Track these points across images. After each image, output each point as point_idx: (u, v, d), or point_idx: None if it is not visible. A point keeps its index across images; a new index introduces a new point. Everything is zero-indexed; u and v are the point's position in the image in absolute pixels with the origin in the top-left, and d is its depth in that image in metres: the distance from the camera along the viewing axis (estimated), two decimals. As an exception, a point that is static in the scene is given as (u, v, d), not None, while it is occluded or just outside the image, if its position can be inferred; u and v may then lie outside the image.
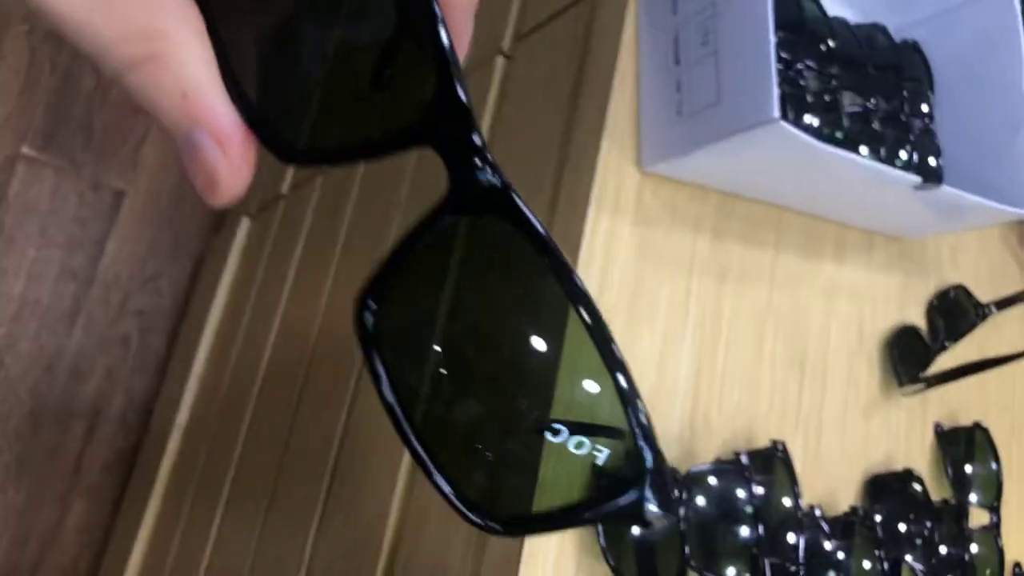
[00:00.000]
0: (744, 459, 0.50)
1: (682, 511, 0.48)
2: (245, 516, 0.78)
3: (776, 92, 0.45)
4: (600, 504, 0.20)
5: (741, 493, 0.51)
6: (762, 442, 0.55)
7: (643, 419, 0.19)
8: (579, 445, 0.20)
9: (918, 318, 0.66)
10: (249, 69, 0.21)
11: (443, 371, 0.21)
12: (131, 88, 0.20)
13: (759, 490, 0.51)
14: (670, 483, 0.19)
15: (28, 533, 1.11)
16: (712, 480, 0.50)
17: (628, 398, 0.19)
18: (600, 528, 0.47)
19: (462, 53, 0.21)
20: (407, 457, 0.58)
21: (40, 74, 1.21)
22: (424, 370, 0.21)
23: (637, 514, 0.20)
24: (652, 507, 0.20)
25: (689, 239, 0.54)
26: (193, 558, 0.85)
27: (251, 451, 0.84)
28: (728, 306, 0.55)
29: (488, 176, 0.20)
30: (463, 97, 0.20)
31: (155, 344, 1.23)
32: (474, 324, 0.21)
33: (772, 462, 0.54)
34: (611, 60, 0.54)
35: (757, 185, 0.56)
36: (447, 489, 0.20)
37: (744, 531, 0.50)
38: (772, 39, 0.45)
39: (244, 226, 1.12)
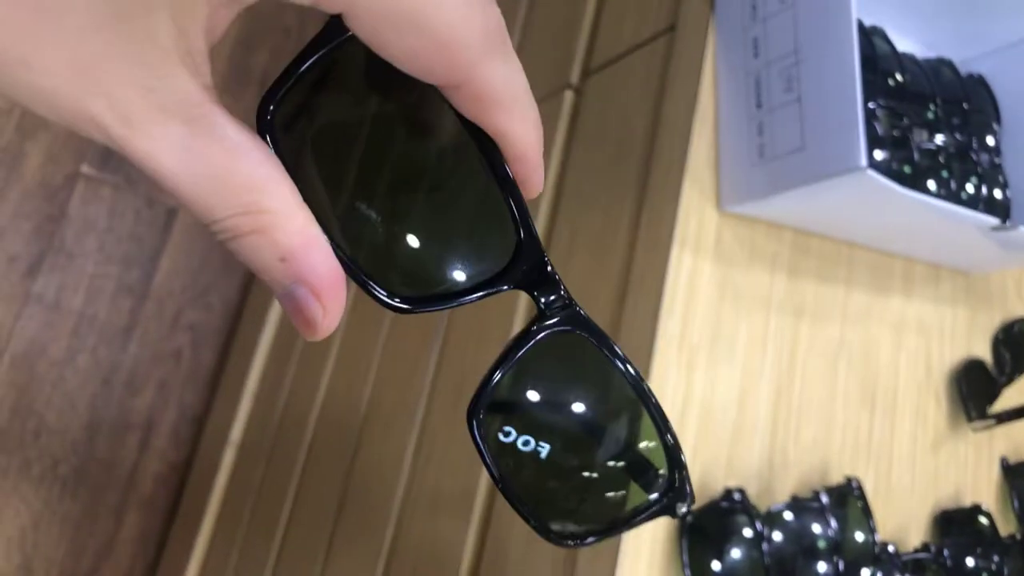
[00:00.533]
0: (824, 498, 0.51)
1: (764, 547, 0.49)
2: (307, 541, 0.80)
3: (863, 141, 0.46)
4: (641, 513, 0.27)
5: (819, 529, 0.52)
6: (836, 477, 0.56)
7: (678, 453, 0.27)
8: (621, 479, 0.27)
9: (984, 351, 0.67)
10: (344, 228, 0.23)
11: (540, 450, 0.26)
12: (234, 250, 0.22)
13: (835, 526, 0.52)
14: (689, 488, 0.27)
15: (84, 544, 1.14)
16: (791, 517, 0.51)
17: (671, 448, 0.27)
18: (686, 560, 0.48)
19: (537, 191, 0.25)
20: (482, 486, 0.60)
21: (98, 93, 1.23)
22: (527, 454, 0.26)
23: (669, 511, 0.27)
24: (682, 507, 0.27)
25: (766, 277, 0.55)
26: (254, 574, 0.87)
27: (312, 475, 0.86)
28: (804, 342, 0.56)
29: (563, 298, 0.25)
30: (546, 260, 0.25)
31: (207, 358, 1.25)
32: (565, 411, 0.26)
33: (847, 498, 0.54)
34: (691, 100, 0.55)
35: (832, 224, 0.57)
36: (534, 524, 0.26)
37: (822, 567, 0.51)
38: (859, 89, 0.46)
39: (297, 244, 1.14)
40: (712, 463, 0.51)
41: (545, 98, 0.72)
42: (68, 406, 1.15)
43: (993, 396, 0.64)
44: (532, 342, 0.25)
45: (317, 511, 0.81)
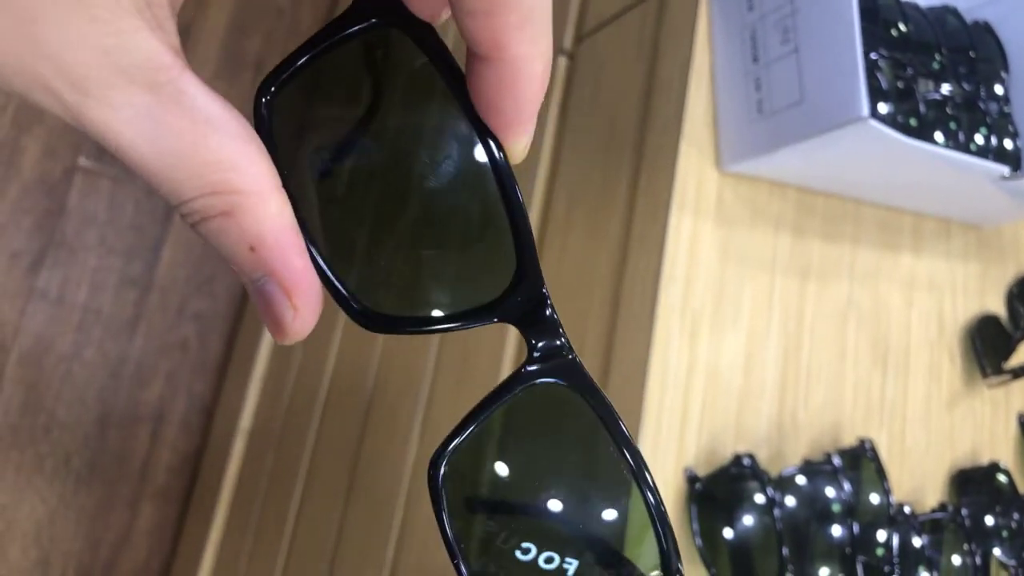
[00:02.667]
0: (836, 461, 0.50)
1: (776, 512, 0.48)
2: (319, 523, 0.79)
3: (864, 90, 0.44)
4: None
5: (832, 493, 0.51)
6: (848, 439, 0.55)
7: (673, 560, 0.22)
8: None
9: (998, 306, 0.65)
10: (326, 228, 0.21)
11: (510, 522, 0.23)
12: (203, 235, 0.20)
13: (849, 489, 0.51)
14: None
15: (100, 536, 1.14)
16: (803, 481, 0.50)
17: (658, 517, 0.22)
18: (696, 529, 0.47)
19: (520, 149, 0.22)
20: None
21: (92, 85, 1.22)
22: (492, 521, 0.23)
23: None
24: None
25: (770, 238, 0.54)
26: (268, 560, 0.87)
27: (322, 458, 0.85)
28: (810, 303, 0.55)
29: (559, 345, 0.22)
30: (541, 284, 0.22)
31: (214, 347, 1.25)
32: (543, 477, 0.23)
33: (861, 460, 0.53)
34: (686, 59, 0.53)
35: (836, 180, 0.55)
36: None
37: (836, 531, 0.50)
38: (859, 36, 0.45)
39: (298, 229, 1.13)
40: (720, 430, 0.50)
41: (538, 66, 0.70)
42: (77, 400, 1.15)
43: (1008, 351, 0.62)
44: (513, 392, 0.22)
45: (328, 493, 0.80)
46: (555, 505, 0.22)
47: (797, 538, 0.49)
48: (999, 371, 0.61)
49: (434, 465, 0.22)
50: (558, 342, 0.22)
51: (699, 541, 0.47)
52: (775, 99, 0.49)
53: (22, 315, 1.14)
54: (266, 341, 1.09)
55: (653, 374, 0.48)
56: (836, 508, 0.51)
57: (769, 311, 0.53)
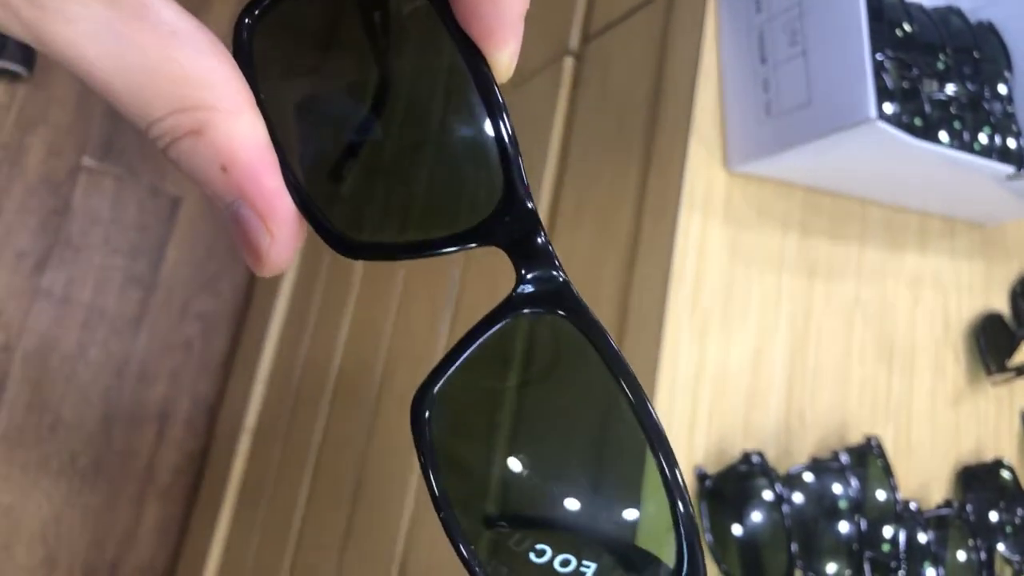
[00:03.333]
0: (843, 458, 0.51)
1: (785, 509, 0.48)
2: (327, 520, 0.80)
3: (872, 92, 0.45)
4: None
5: (839, 490, 0.51)
6: (855, 436, 0.55)
7: (689, 513, 0.20)
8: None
9: (1002, 304, 0.66)
10: (304, 153, 0.20)
11: (500, 467, 0.21)
12: (175, 159, 0.19)
13: (857, 486, 0.51)
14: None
15: (106, 534, 1.15)
16: (811, 478, 0.51)
17: (675, 490, 0.20)
18: (707, 526, 0.48)
19: (505, 56, 0.21)
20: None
21: (96, 85, 1.22)
22: (480, 468, 0.21)
23: None
24: None
25: (778, 237, 0.54)
26: (275, 556, 0.87)
27: (329, 455, 0.86)
28: (818, 302, 0.55)
29: (552, 274, 0.20)
30: (530, 204, 0.20)
31: (218, 346, 1.25)
32: (534, 418, 0.21)
33: (867, 458, 0.54)
34: (693, 60, 0.54)
35: (843, 180, 0.56)
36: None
37: (844, 527, 0.51)
38: (867, 39, 0.45)
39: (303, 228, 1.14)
40: (729, 427, 0.51)
41: (545, 66, 0.70)
42: (82, 400, 1.15)
43: (1012, 349, 0.63)
44: (501, 323, 0.20)
45: (336, 490, 0.81)
46: (555, 453, 0.20)
47: (805, 534, 0.50)
48: (1003, 369, 0.62)
49: (417, 406, 0.20)
50: (553, 272, 0.20)
51: (709, 537, 0.48)
52: (783, 100, 0.49)
53: (27, 315, 1.14)
54: (271, 339, 1.10)
55: (663, 373, 0.49)
56: (843, 505, 0.51)
57: (777, 310, 0.53)
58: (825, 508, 0.51)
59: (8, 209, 1.15)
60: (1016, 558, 0.59)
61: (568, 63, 0.68)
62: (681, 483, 0.20)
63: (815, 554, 0.50)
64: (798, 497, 0.50)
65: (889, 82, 0.60)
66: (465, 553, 0.20)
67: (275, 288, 1.13)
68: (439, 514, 0.20)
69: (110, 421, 1.17)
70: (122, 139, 1.23)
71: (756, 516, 0.48)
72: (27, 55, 1.17)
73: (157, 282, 1.23)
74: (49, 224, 1.17)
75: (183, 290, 1.24)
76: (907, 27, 0.63)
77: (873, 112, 0.44)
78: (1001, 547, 0.59)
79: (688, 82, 0.54)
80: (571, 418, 0.21)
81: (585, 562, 0.20)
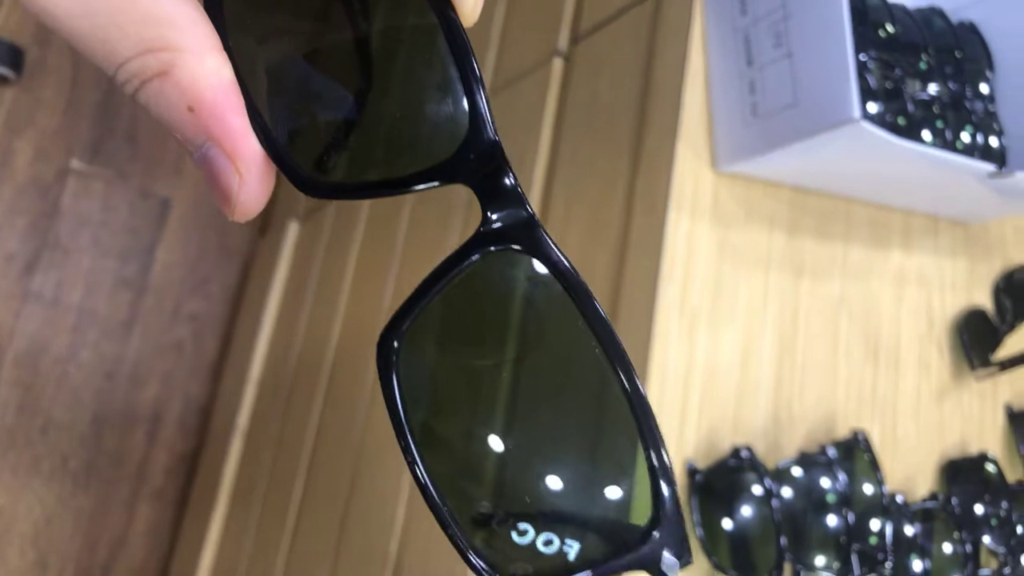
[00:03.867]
0: (831, 452, 0.51)
1: (774, 503, 0.49)
2: (322, 518, 0.80)
3: (856, 92, 0.46)
4: (607, 560, 0.19)
5: (827, 484, 0.52)
6: (842, 431, 0.56)
7: (664, 459, 0.19)
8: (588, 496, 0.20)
9: (985, 300, 0.67)
10: (270, 97, 0.20)
11: (461, 408, 0.20)
12: (144, 103, 0.20)
13: (844, 480, 0.52)
14: (684, 531, 0.19)
15: (98, 536, 1.15)
16: (799, 472, 0.51)
17: (650, 438, 0.19)
18: (697, 520, 0.48)
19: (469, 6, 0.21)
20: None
21: (84, 88, 1.23)
22: (444, 408, 0.21)
23: (653, 566, 0.19)
24: (669, 556, 0.19)
25: (765, 236, 0.55)
26: (268, 560, 0.88)
27: (322, 456, 0.86)
28: (804, 300, 0.56)
29: (520, 212, 0.20)
30: (493, 136, 0.20)
31: (209, 348, 1.25)
32: (499, 360, 0.21)
33: (854, 452, 0.55)
34: (681, 61, 0.55)
35: (829, 179, 0.57)
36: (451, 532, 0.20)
37: (832, 520, 0.52)
38: (850, 41, 0.46)
39: (293, 229, 1.14)
40: (718, 423, 0.51)
41: (534, 67, 0.71)
42: (74, 402, 1.15)
43: (995, 344, 0.64)
44: (468, 260, 0.20)
45: (329, 491, 0.81)
46: (528, 398, 0.20)
47: (794, 528, 0.51)
48: (987, 363, 0.63)
49: (383, 347, 0.20)
50: (522, 211, 0.20)
51: (700, 532, 0.49)
52: (769, 101, 0.50)
53: (17, 317, 1.14)
54: (262, 340, 1.10)
55: (653, 370, 0.49)
56: (831, 498, 0.52)
57: (764, 308, 0.54)
58: (813, 501, 0.52)
59: (-3, 212, 1.15)
60: (1001, 550, 0.60)
61: (557, 64, 0.69)
62: (655, 431, 0.19)
63: (804, 547, 0.51)
64: (787, 491, 0.51)
65: (872, 82, 0.61)
66: (439, 506, 0.20)
67: (266, 289, 1.13)
68: (410, 468, 0.20)
69: (101, 423, 1.17)
70: (111, 142, 1.23)
71: (746, 510, 0.49)
72: (14, 58, 1.17)
73: (148, 284, 1.23)
74: (38, 227, 1.17)
75: (174, 292, 1.24)
76: (890, 28, 0.64)
77: (857, 112, 0.45)
78: (986, 539, 0.60)
79: (675, 84, 0.54)
80: (543, 367, 0.20)
81: (568, 541, 0.19)
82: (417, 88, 0.20)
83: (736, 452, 0.50)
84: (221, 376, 1.21)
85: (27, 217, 1.17)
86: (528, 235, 0.20)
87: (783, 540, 0.49)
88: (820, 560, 0.51)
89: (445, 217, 0.77)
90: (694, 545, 0.48)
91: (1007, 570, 0.59)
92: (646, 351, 0.50)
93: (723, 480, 0.50)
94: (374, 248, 0.90)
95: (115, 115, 1.24)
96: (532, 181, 0.65)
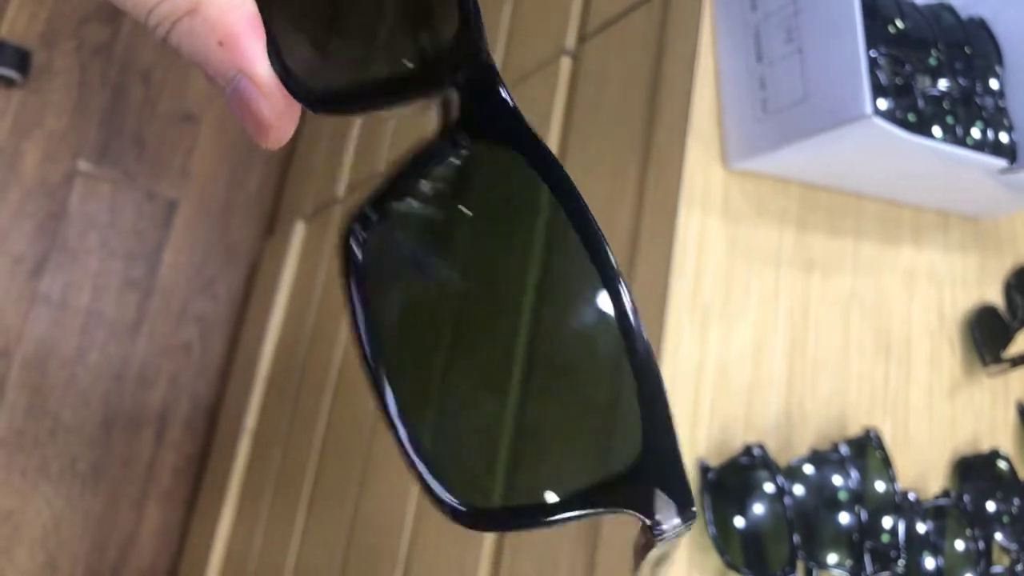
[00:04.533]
0: (843, 450, 0.51)
1: (786, 501, 0.49)
2: (331, 517, 0.80)
3: (867, 88, 0.46)
4: (585, 504, 0.17)
5: (839, 481, 0.52)
6: (854, 428, 0.56)
7: (660, 385, 0.17)
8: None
9: (996, 296, 0.66)
10: (282, 25, 0.21)
11: (427, 310, 0.19)
12: (176, 44, 0.21)
13: (856, 477, 0.52)
14: (684, 478, 0.16)
15: (107, 538, 1.15)
16: (811, 470, 0.51)
17: (643, 363, 0.17)
18: (710, 518, 0.48)
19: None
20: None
21: (91, 90, 1.23)
22: (408, 309, 0.19)
23: (646, 513, 0.17)
24: (664, 499, 0.16)
25: (775, 233, 0.55)
26: (278, 557, 0.88)
27: (330, 454, 0.86)
28: (815, 296, 0.56)
29: (502, 100, 0.19)
30: (477, 27, 0.19)
31: (216, 349, 1.25)
32: (470, 258, 0.19)
33: (867, 449, 0.54)
34: (690, 59, 0.54)
35: (839, 175, 0.57)
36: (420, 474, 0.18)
37: (844, 518, 0.51)
38: (861, 36, 0.46)
39: (300, 229, 1.14)
40: (730, 420, 0.51)
41: (542, 66, 0.71)
42: (82, 404, 1.16)
43: (1007, 341, 0.64)
44: (445, 153, 0.19)
45: (339, 490, 0.81)
46: (510, 311, 0.18)
47: (807, 525, 0.51)
48: (998, 360, 0.63)
49: (348, 232, 0.19)
50: (502, 97, 0.18)
51: (712, 530, 0.48)
52: (780, 98, 0.50)
53: (25, 320, 1.14)
54: (270, 340, 1.10)
55: (665, 367, 0.49)
56: (844, 496, 0.52)
57: (776, 304, 0.54)
58: (826, 499, 0.51)
59: (4, 215, 1.15)
60: (1014, 547, 0.60)
61: (565, 63, 0.68)
62: (635, 321, 0.17)
63: (816, 545, 0.51)
64: (799, 489, 0.50)
65: (883, 78, 0.61)
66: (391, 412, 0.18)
67: (273, 289, 1.13)
68: (363, 363, 0.18)
69: (110, 424, 1.17)
70: (118, 143, 1.23)
71: (758, 508, 0.49)
72: (21, 61, 1.17)
73: (155, 286, 1.23)
74: (46, 229, 1.17)
75: (181, 293, 1.25)
76: (899, 24, 0.63)
77: (869, 108, 0.45)
78: (999, 536, 0.59)
79: (685, 81, 0.54)
80: (525, 280, 0.19)
81: (548, 475, 0.17)
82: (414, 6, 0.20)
83: (748, 450, 0.49)
84: (229, 376, 1.21)
85: (35, 219, 1.17)
86: (514, 127, 0.18)
87: (796, 538, 0.49)
88: (832, 558, 0.51)
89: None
90: (707, 544, 0.48)
91: (1020, 567, 0.59)
92: (657, 348, 0.49)
93: (735, 478, 0.50)
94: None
95: (122, 117, 1.24)
96: (541, 179, 0.64)
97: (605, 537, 0.49)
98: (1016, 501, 0.61)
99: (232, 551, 1.02)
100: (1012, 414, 0.65)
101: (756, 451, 0.49)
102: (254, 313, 1.20)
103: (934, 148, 0.49)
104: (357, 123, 1.09)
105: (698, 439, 0.50)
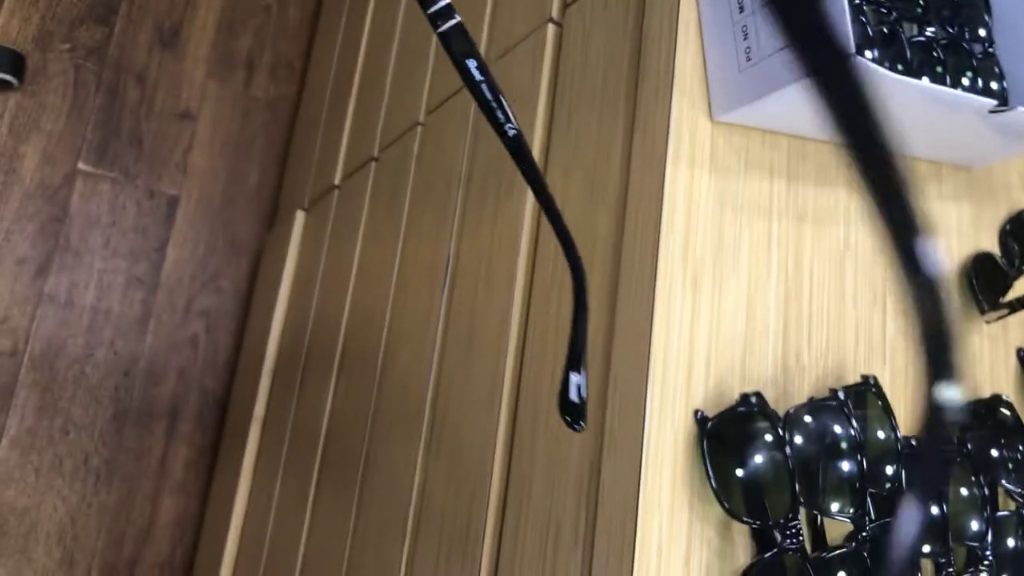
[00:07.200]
0: (841, 395, 0.51)
1: (787, 450, 0.49)
2: (339, 495, 0.81)
3: (850, 29, 0.45)
4: None
5: (840, 429, 0.52)
6: (852, 378, 0.56)
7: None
8: None
9: (992, 244, 0.66)
10: None
11: None
12: None
13: (857, 425, 0.52)
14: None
15: (123, 532, 1.16)
16: (811, 418, 0.51)
17: None
18: (710, 471, 0.48)
19: None
20: (502, 424, 0.60)
21: (86, 91, 1.23)
22: None
23: None
24: None
25: (765, 185, 0.55)
26: (290, 541, 0.88)
27: (337, 433, 0.87)
28: (808, 247, 0.56)
29: None
30: None
31: (223, 342, 1.26)
32: None
33: (866, 396, 0.54)
34: (672, 14, 0.54)
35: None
36: None
37: (846, 465, 0.51)
38: (841, -24, 0.46)
39: (299, 220, 1.15)
40: (726, 374, 0.51)
41: (527, 35, 0.71)
42: (92, 401, 1.17)
43: (1005, 287, 0.63)
44: None
45: (344, 473, 0.82)
46: None
47: (807, 473, 0.51)
48: (996, 306, 0.62)
49: None
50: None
51: (713, 479, 0.49)
52: (763, 46, 0.50)
53: (32, 320, 1.15)
54: (275, 330, 1.11)
55: (658, 323, 0.49)
56: (844, 444, 0.52)
57: (769, 256, 0.54)
58: (826, 447, 0.51)
59: (6, 217, 1.16)
60: (1019, 492, 0.60)
61: (550, 29, 0.69)
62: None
63: (818, 493, 0.51)
64: (799, 437, 0.51)
65: (869, 28, 0.61)
66: None
67: (276, 280, 1.14)
68: None
69: (121, 420, 1.18)
70: (116, 143, 1.24)
71: (758, 457, 0.49)
72: (16, 64, 1.18)
73: (159, 282, 1.24)
74: (48, 230, 1.18)
75: (185, 288, 1.25)
76: (884, -27, 0.63)
77: (851, 49, 0.45)
78: (1004, 482, 0.59)
79: (668, 36, 0.54)
80: None
81: None
82: None
83: (745, 398, 0.49)
84: (236, 368, 1.22)
85: (37, 221, 1.18)
86: None
87: (797, 486, 0.49)
88: (835, 506, 0.51)
89: (444, 202, 0.77)
90: (708, 494, 0.48)
91: (1026, 512, 0.59)
92: (650, 304, 0.50)
93: (733, 428, 0.50)
94: (378, 234, 0.91)
95: (118, 117, 1.25)
96: (532, 143, 0.65)
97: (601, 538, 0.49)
98: (1020, 446, 0.61)
99: (245, 539, 1.03)
100: (1012, 360, 0.64)
101: (753, 399, 0.49)
102: (259, 304, 1.21)
103: (921, 88, 0.49)
104: (350, 110, 1.10)
105: (694, 393, 0.50)
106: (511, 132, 0.27)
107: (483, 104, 0.27)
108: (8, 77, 1.17)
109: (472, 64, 0.27)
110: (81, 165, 1.21)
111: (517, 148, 0.27)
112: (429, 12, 0.26)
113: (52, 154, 1.20)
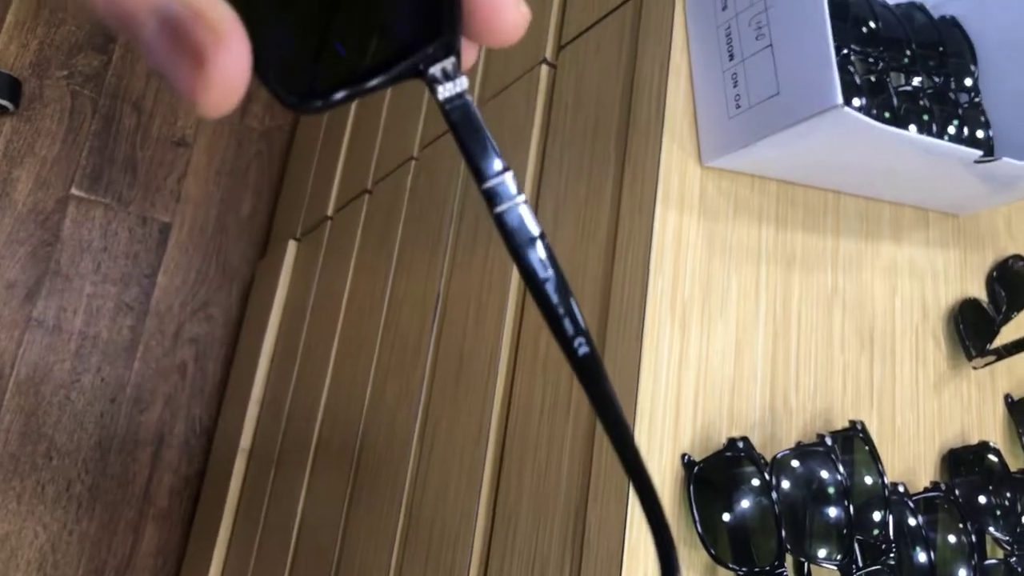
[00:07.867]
0: (829, 440, 0.51)
1: (773, 494, 0.49)
2: (322, 537, 0.80)
3: (836, 77, 0.46)
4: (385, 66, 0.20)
5: (827, 474, 0.52)
6: (840, 423, 0.56)
7: None
8: None
9: (979, 291, 0.67)
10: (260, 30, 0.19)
11: None
12: None
13: (844, 470, 0.52)
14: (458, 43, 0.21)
15: (104, 560, 1.14)
16: (798, 463, 0.51)
17: None
18: (696, 516, 0.48)
19: (513, 26, 0.22)
20: (488, 460, 0.60)
21: (82, 117, 1.24)
22: None
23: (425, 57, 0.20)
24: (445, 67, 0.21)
25: (754, 229, 0.55)
26: (274, 571, 0.87)
27: (322, 472, 0.86)
28: (796, 292, 0.56)
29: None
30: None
31: (211, 370, 1.25)
32: None
33: (853, 442, 0.54)
34: (664, 59, 0.55)
35: (815, 171, 0.57)
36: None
37: (833, 512, 0.51)
38: (828, 26, 0.46)
39: (291, 249, 1.15)
40: (714, 416, 0.51)
41: (521, 76, 0.72)
42: (77, 427, 1.15)
43: (992, 334, 0.64)
44: None
45: (329, 506, 0.81)
46: None
47: (794, 519, 0.50)
48: (984, 352, 0.63)
49: None
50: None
51: (699, 525, 0.48)
52: (752, 93, 0.51)
53: (19, 344, 1.14)
54: (263, 362, 1.10)
55: (645, 365, 0.49)
56: (831, 489, 0.52)
57: (757, 300, 0.54)
58: (813, 492, 0.51)
59: (-2, 241, 1.16)
60: (1007, 539, 0.59)
61: (544, 71, 0.69)
62: None
63: (805, 539, 0.51)
64: (786, 482, 0.50)
65: (856, 77, 0.62)
66: None
67: (267, 309, 1.14)
68: None
69: (105, 447, 1.17)
70: (110, 169, 1.24)
71: (745, 502, 0.49)
72: (13, 90, 1.18)
73: (148, 308, 1.23)
74: (39, 254, 1.18)
75: (175, 316, 1.25)
76: (872, 24, 0.64)
77: (839, 99, 0.45)
78: (991, 529, 0.59)
79: (659, 82, 0.55)
80: None
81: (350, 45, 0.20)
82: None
83: (732, 443, 0.49)
84: (223, 398, 1.21)
85: (28, 245, 1.17)
86: None
87: (783, 532, 0.49)
88: (822, 551, 0.51)
89: (436, 237, 0.77)
90: (694, 539, 0.48)
91: (1014, 559, 0.59)
92: (638, 345, 0.50)
93: (721, 472, 0.50)
94: (369, 267, 0.91)
95: (114, 143, 1.25)
96: (524, 183, 0.65)
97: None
98: (1007, 493, 0.61)
99: (228, 570, 1.01)
100: (1000, 406, 0.65)
101: (740, 443, 0.49)
102: (248, 333, 1.21)
103: (908, 138, 0.50)
104: (345, 142, 1.10)
105: (681, 435, 0.50)
106: (582, 351, 0.20)
107: (547, 310, 0.20)
108: (4, 102, 1.17)
109: (534, 256, 0.20)
110: (74, 191, 1.21)
111: (590, 371, 0.20)
112: (483, 188, 0.21)
113: (46, 179, 1.20)
